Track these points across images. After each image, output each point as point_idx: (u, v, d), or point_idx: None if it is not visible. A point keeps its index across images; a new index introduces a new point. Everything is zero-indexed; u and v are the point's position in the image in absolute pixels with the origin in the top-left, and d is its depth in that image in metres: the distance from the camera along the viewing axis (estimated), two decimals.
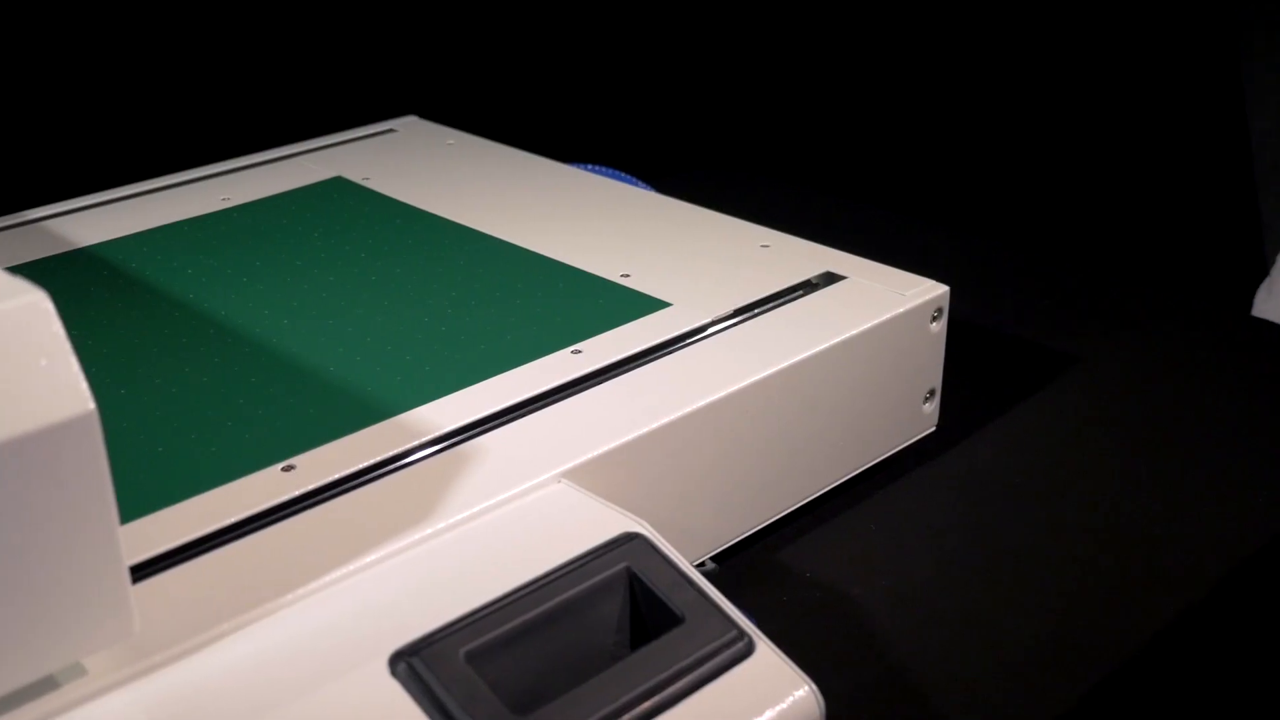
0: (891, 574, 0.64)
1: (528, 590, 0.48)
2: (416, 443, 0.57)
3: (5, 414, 0.39)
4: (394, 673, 0.45)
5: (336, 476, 0.54)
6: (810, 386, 0.64)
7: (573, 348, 0.64)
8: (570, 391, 0.61)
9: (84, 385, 0.40)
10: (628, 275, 0.71)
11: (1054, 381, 0.81)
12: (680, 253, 0.75)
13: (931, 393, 0.71)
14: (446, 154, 0.91)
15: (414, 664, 0.45)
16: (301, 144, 0.93)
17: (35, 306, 0.40)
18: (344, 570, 0.49)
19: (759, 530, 0.65)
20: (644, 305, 0.68)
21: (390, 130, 0.95)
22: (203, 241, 0.78)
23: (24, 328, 0.40)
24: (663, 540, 0.51)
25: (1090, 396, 0.80)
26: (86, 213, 0.84)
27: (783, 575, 0.64)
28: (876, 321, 0.66)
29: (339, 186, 0.86)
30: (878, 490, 0.70)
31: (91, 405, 0.40)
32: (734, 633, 0.48)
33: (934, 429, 0.73)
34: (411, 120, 0.97)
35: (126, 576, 0.42)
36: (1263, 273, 1.24)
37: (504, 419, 0.59)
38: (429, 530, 0.51)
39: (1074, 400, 0.79)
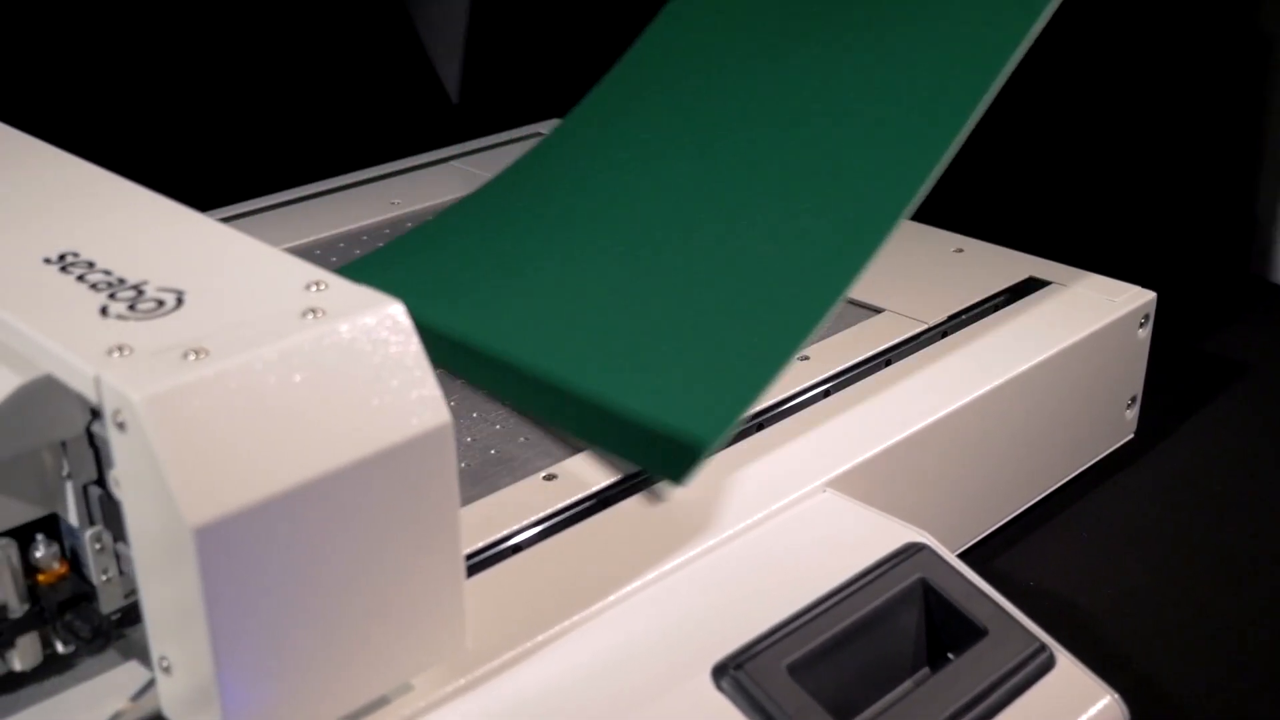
0: (1111, 582, 0.64)
1: (831, 602, 0.48)
2: None
3: (366, 427, 0.38)
4: (719, 686, 0.44)
5: (598, 487, 0.54)
6: (1034, 393, 0.63)
7: (799, 354, 0.63)
8: (810, 399, 0.60)
9: (440, 396, 0.40)
10: None
11: (1236, 385, 0.81)
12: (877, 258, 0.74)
13: (1133, 399, 0.71)
14: None
15: (739, 677, 0.44)
16: (451, 148, 0.92)
17: (393, 318, 0.39)
18: (639, 583, 0.48)
19: (975, 540, 0.65)
20: (855, 312, 0.68)
21: (537, 134, 0.95)
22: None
23: (382, 338, 0.39)
24: (945, 550, 0.51)
25: (1271, 400, 0.79)
26: (270, 213, 0.83)
27: (1004, 585, 0.64)
28: (1093, 329, 0.66)
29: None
30: (1080, 498, 0.70)
31: (448, 417, 0.40)
32: (1037, 645, 0.48)
33: (1133, 436, 0.72)
34: (556, 124, 0.96)
35: (464, 589, 0.42)
36: None
37: (752, 427, 0.58)
38: (711, 542, 0.50)
39: (1259, 404, 0.79)
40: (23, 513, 0.43)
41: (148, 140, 1.06)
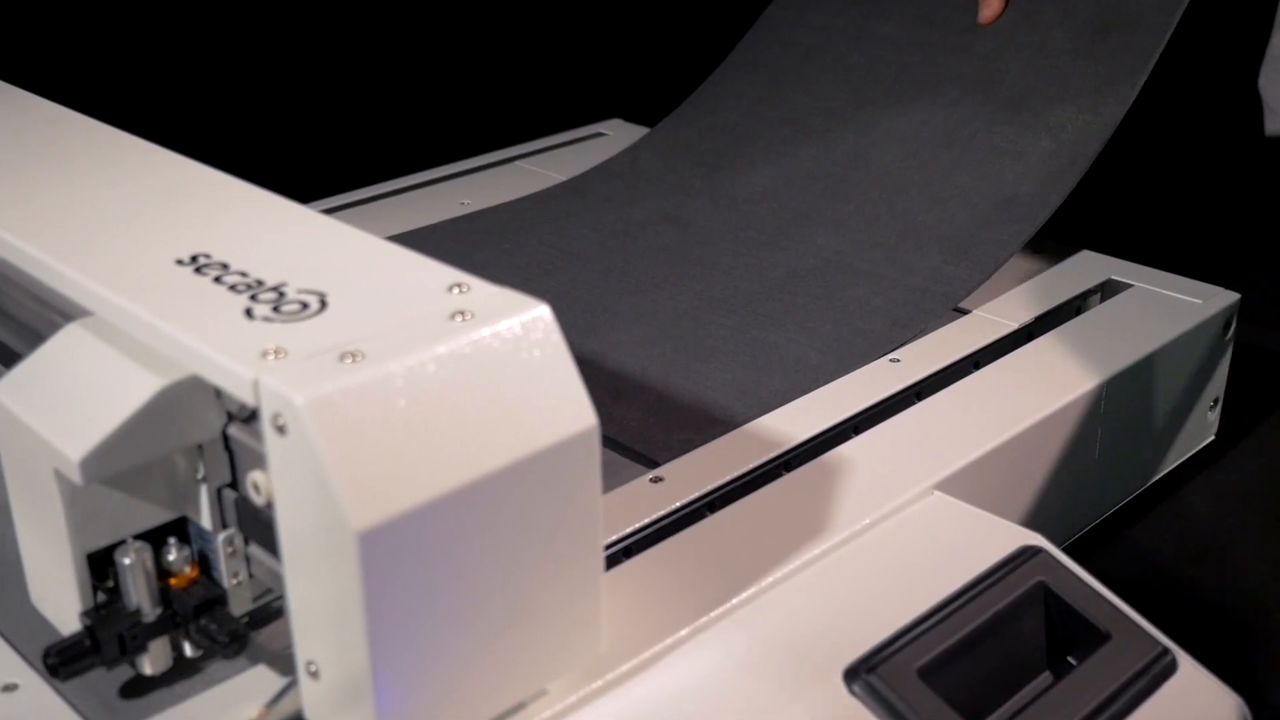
0: (1204, 582, 0.64)
1: (954, 605, 0.47)
2: (773, 455, 0.56)
3: (519, 429, 0.38)
4: (851, 689, 0.44)
5: (705, 490, 0.54)
6: (1125, 396, 0.63)
7: (889, 356, 0.63)
8: (906, 400, 0.60)
9: (587, 398, 0.39)
10: None
11: None
12: None
13: (1216, 401, 0.71)
14: None
15: (871, 681, 0.44)
16: (515, 147, 0.92)
17: (541, 319, 0.39)
18: (757, 587, 0.48)
19: (1068, 542, 0.64)
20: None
21: (599, 134, 0.94)
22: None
23: (531, 340, 0.39)
24: (1061, 553, 0.51)
25: None
26: (340, 213, 0.82)
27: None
28: (1181, 331, 0.66)
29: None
30: (1166, 498, 0.69)
31: (595, 419, 0.39)
32: (1160, 648, 0.48)
33: (1214, 438, 0.72)
34: (617, 123, 0.96)
35: (602, 591, 0.42)
36: None
37: (848, 429, 0.58)
38: (824, 545, 0.50)
39: None
40: (155, 515, 0.43)
41: (213, 140, 1.06)
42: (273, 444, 0.36)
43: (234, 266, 0.42)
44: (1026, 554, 0.50)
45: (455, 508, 0.36)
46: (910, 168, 0.75)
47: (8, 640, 0.46)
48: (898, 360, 0.63)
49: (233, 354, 0.37)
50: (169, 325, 0.39)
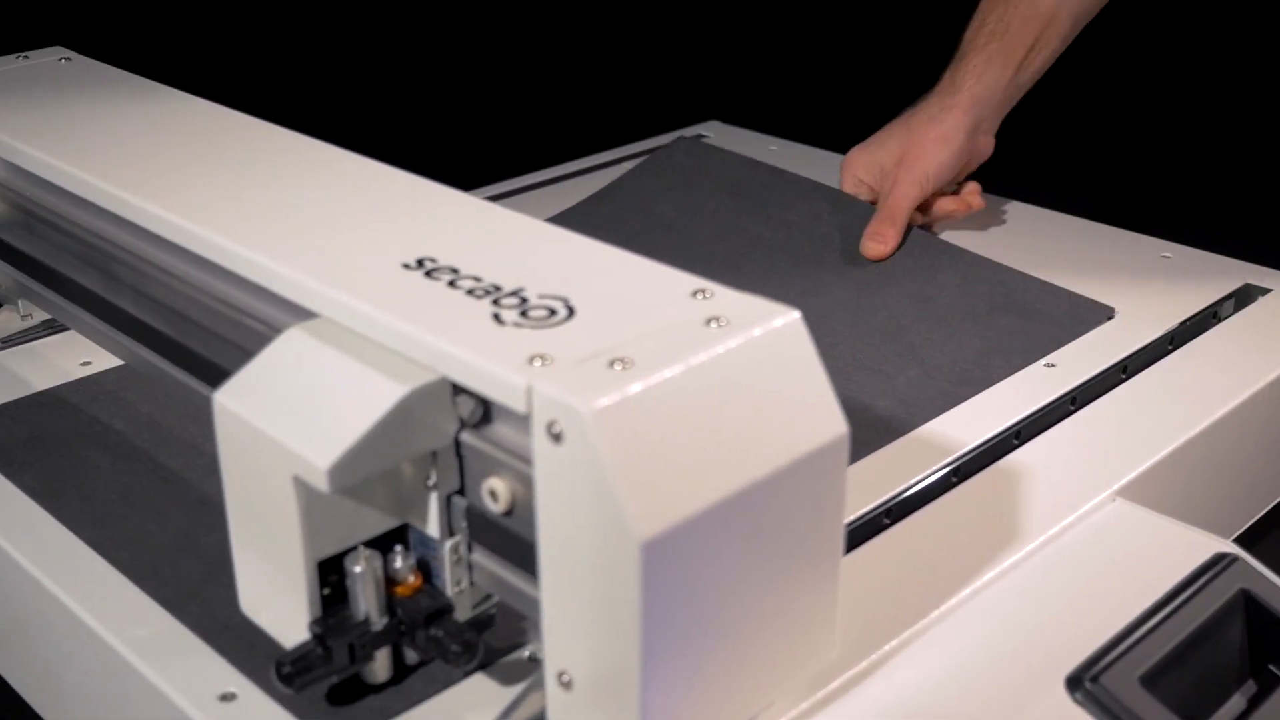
0: None
1: (1163, 613, 0.47)
2: (943, 463, 0.55)
3: (779, 435, 0.37)
4: (1073, 697, 0.44)
5: (881, 499, 0.53)
6: (1277, 403, 0.63)
7: (1044, 361, 0.63)
8: (1061, 410, 0.60)
9: (838, 405, 0.39)
10: (1048, 284, 0.70)
11: None
12: (1088, 264, 0.74)
13: None
14: (774, 160, 0.89)
15: (1094, 690, 0.44)
16: (619, 149, 0.91)
17: (794, 325, 0.39)
18: (957, 598, 0.48)
19: None
20: (1088, 317, 0.67)
21: (700, 136, 0.94)
22: None
23: (785, 346, 0.38)
24: (1254, 559, 0.50)
25: None
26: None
27: None
28: None
29: None
30: None
31: (846, 427, 0.39)
32: None
33: None
34: (716, 125, 0.96)
35: (838, 595, 0.41)
36: None
37: (1010, 436, 0.58)
38: (1016, 556, 0.50)
39: None
40: (380, 523, 0.42)
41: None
42: (544, 452, 0.36)
43: (464, 271, 0.42)
44: (1223, 561, 0.50)
45: (724, 516, 0.36)
46: None
47: (216, 648, 0.45)
48: (1053, 365, 0.63)
49: (498, 360, 0.37)
50: (419, 329, 0.39)
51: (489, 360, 0.37)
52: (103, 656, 0.46)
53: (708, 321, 0.38)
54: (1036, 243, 0.77)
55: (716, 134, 0.94)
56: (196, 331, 0.52)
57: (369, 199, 0.48)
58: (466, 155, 1.10)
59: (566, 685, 0.38)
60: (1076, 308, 0.68)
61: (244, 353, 0.49)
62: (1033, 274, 0.71)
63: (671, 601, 0.36)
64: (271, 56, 1.27)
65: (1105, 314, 0.67)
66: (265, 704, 0.43)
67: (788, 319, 0.39)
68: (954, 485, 0.55)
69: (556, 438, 0.35)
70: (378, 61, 1.24)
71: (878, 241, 0.73)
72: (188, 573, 0.49)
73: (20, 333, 0.66)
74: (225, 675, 0.44)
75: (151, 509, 0.53)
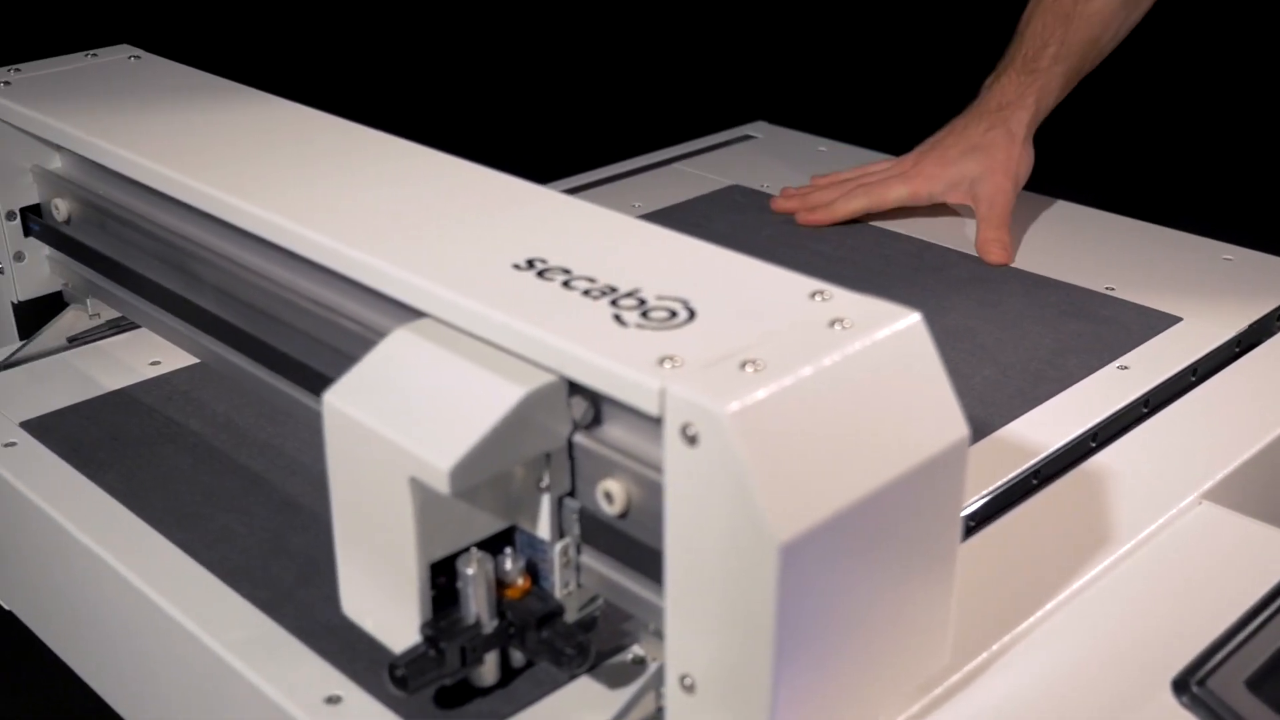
0: None
1: (1262, 616, 0.47)
2: (1023, 468, 0.55)
3: (905, 437, 0.37)
4: (1181, 700, 0.44)
5: (968, 504, 0.53)
6: None
7: (1116, 364, 0.63)
8: (1136, 414, 0.60)
9: (959, 407, 0.39)
10: (1112, 288, 0.70)
11: None
12: (1150, 267, 0.74)
13: None
14: (823, 161, 0.89)
15: (1201, 694, 0.44)
16: (669, 149, 0.91)
17: (917, 327, 0.39)
18: (1053, 604, 0.47)
19: None
20: (1157, 318, 0.67)
21: (748, 136, 0.94)
22: None
23: (908, 348, 0.38)
24: None
25: None
26: None
27: None
28: None
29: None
30: None
31: (967, 429, 0.39)
32: None
33: None
34: (763, 125, 0.95)
35: (954, 598, 0.41)
36: None
37: (1086, 438, 0.58)
38: (1108, 560, 0.50)
39: None
40: (490, 525, 0.42)
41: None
42: (676, 454, 0.36)
43: (577, 272, 0.42)
44: None
45: (855, 518, 0.36)
46: None
47: (317, 651, 0.45)
48: (1126, 367, 0.63)
49: (628, 362, 0.36)
50: (542, 331, 0.38)
51: (618, 362, 0.37)
52: (200, 659, 0.46)
53: (831, 323, 0.38)
54: (1097, 247, 0.77)
55: (764, 134, 0.94)
56: (283, 331, 0.52)
57: (466, 199, 0.48)
58: (507, 158, 1.10)
59: (689, 689, 0.38)
60: (1144, 315, 0.68)
61: (336, 352, 0.49)
62: (1095, 276, 0.71)
63: (803, 604, 0.35)
64: (331, 56, 1.27)
65: (1172, 322, 0.67)
66: (372, 706, 0.43)
67: (910, 320, 0.39)
68: (1035, 489, 0.55)
69: (691, 440, 0.35)
70: (430, 64, 1.24)
71: (999, 246, 0.75)
72: (280, 575, 0.49)
73: (88, 331, 0.66)
74: (329, 678, 0.44)
75: (237, 510, 0.53)
